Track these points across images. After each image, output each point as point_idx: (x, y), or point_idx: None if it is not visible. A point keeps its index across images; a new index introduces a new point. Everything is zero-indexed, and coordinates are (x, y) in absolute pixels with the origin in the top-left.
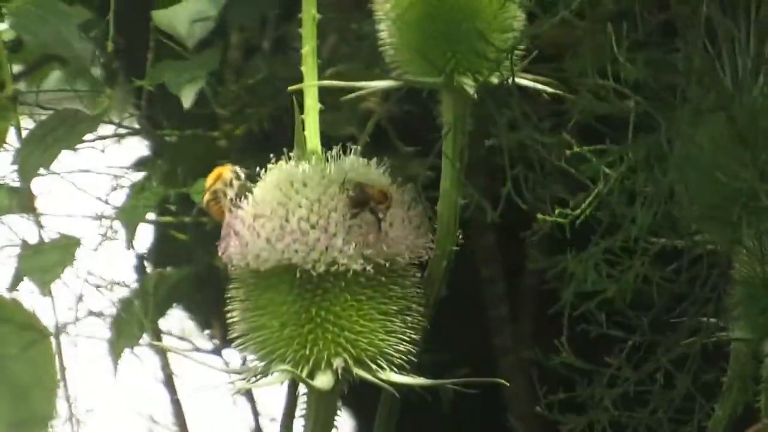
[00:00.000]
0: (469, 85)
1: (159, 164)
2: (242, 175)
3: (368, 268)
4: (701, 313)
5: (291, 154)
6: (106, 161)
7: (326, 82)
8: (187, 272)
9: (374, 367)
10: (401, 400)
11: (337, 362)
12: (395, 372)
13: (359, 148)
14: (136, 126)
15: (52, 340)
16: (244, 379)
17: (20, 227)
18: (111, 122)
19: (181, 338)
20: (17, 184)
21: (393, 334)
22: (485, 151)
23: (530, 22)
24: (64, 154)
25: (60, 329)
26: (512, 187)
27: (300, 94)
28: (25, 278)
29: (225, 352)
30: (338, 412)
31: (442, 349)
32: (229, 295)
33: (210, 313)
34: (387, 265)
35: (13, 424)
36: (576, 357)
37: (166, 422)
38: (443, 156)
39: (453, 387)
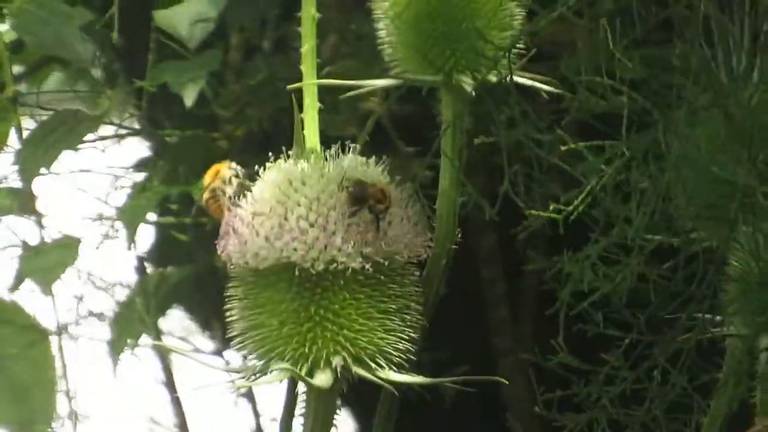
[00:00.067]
0: (467, 84)
1: (160, 165)
2: (241, 173)
3: (367, 266)
4: (697, 310)
5: (290, 153)
6: (107, 162)
7: (325, 81)
8: (187, 272)
9: (373, 365)
10: (401, 400)
11: (336, 360)
12: (394, 371)
13: (358, 146)
14: (137, 126)
15: (53, 340)
16: (243, 378)
17: (21, 228)
18: (111, 123)
19: (182, 339)
20: (18, 185)
21: (392, 333)
22: (483, 150)
23: (530, 21)
24: (65, 155)
25: (61, 329)
26: (510, 186)
27: (299, 93)
28: (27, 279)
29: (225, 353)
30: (338, 411)
31: (442, 350)
32: (228, 294)
33: (210, 313)
34: (386, 263)
35: (13, 424)
36: (575, 357)
37: (166, 423)
38: (442, 154)
39: (453, 387)
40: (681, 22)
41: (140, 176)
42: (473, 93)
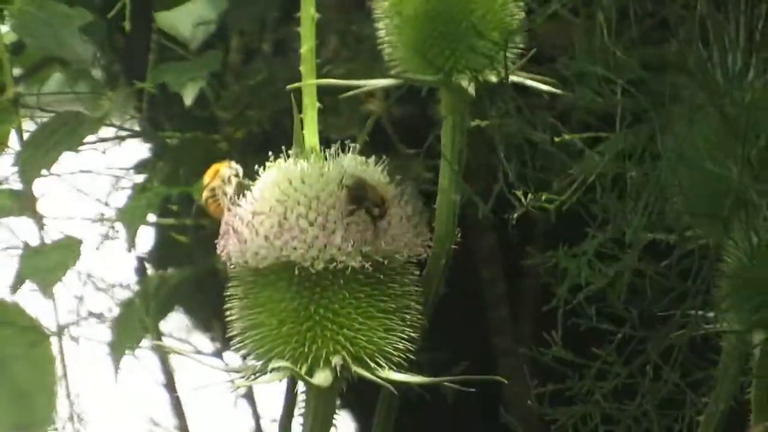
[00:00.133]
0: (467, 84)
1: (160, 166)
2: (240, 172)
3: (367, 265)
4: (691, 306)
5: (290, 153)
6: (107, 163)
7: (325, 81)
8: (187, 274)
9: (373, 365)
10: (401, 401)
11: (336, 360)
12: (394, 370)
13: (357, 146)
14: (137, 128)
15: (53, 341)
16: (243, 378)
17: (22, 229)
18: (112, 124)
19: (182, 340)
20: (19, 186)
21: (392, 332)
22: (482, 150)
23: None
24: (66, 156)
25: (61, 331)
26: (504, 184)
27: (299, 93)
28: (27, 280)
29: (225, 354)
30: (337, 411)
31: (442, 350)
32: (227, 294)
33: (210, 315)
34: (385, 262)
35: (13, 426)
36: (575, 354)
37: (167, 424)
38: (442, 155)
39: (453, 387)
40: (677, 21)
41: (140, 177)
42: (473, 93)
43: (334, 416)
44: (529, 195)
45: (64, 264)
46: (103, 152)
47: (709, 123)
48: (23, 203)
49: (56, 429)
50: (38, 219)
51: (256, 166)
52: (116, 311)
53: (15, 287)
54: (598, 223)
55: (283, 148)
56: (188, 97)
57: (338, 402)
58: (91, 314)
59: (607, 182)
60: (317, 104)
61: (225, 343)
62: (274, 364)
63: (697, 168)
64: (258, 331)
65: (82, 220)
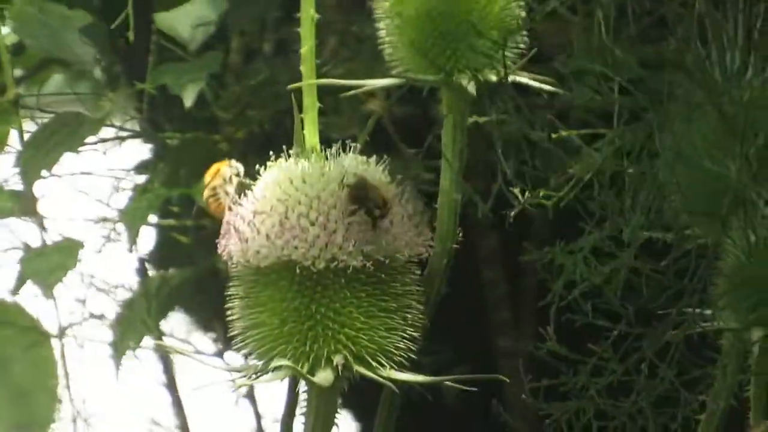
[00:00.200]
0: (468, 83)
1: (161, 167)
2: (241, 171)
3: (368, 264)
4: (688, 304)
5: (291, 152)
6: (108, 164)
7: (325, 81)
8: (188, 274)
9: (374, 364)
10: (403, 401)
11: (337, 359)
12: (395, 369)
13: (358, 145)
14: (138, 129)
15: (55, 342)
16: (245, 377)
17: (23, 230)
18: (112, 125)
19: (183, 341)
20: (20, 187)
21: (393, 331)
22: (481, 150)
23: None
24: (66, 157)
25: (62, 332)
26: (503, 182)
27: (300, 94)
28: (28, 281)
29: (227, 354)
30: (338, 411)
31: (443, 351)
32: (229, 293)
33: (211, 315)
34: (387, 262)
35: (14, 426)
36: (569, 350)
37: (168, 424)
38: (443, 154)
39: (455, 388)
40: (675, 19)
41: (141, 178)
42: (474, 92)
43: (336, 415)
44: (527, 192)
45: (64, 265)
46: (104, 153)
47: (708, 121)
48: (24, 204)
49: (57, 429)
50: (39, 220)
51: (257, 166)
52: (117, 312)
53: (16, 288)
54: (596, 220)
55: (284, 147)
56: (188, 99)
57: (339, 402)
58: (92, 315)
59: (605, 180)
60: (318, 104)
61: (226, 343)
62: (275, 363)
63: (695, 166)
64: (259, 330)
65: (83, 221)
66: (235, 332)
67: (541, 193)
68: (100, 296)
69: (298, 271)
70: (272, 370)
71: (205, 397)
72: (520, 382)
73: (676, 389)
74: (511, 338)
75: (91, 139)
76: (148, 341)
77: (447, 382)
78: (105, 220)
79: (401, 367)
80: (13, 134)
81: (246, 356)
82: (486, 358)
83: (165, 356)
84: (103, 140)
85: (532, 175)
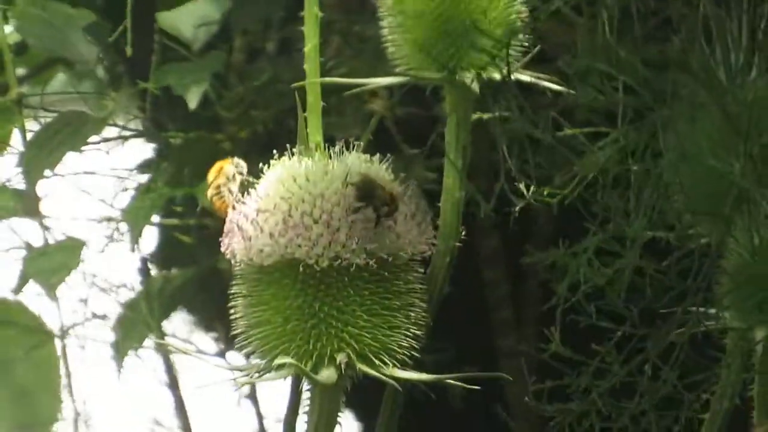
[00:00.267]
0: (471, 81)
1: (164, 166)
2: (244, 169)
3: (371, 262)
4: (691, 303)
5: (294, 151)
6: (111, 163)
7: (329, 79)
8: (191, 274)
9: (377, 362)
10: (405, 401)
11: (341, 357)
12: (398, 368)
13: (362, 144)
14: (141, 128)
15: (57, 342)
16: (240, 377)
17: (25, 230)
18: (115, 125)
19: (185, 341)
20: (22, 187)
21: (396, 330)
22: (484, 149)
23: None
24: (69, 157)
25: (65, 332)
26: (507, 180)
27: (304, 93)
28: (30, 281)
29: (229, 354)
30: (342, 411)
31: (444, 351)
32: (232, 292)
33: (214, 315)
34: (390, 260)
35: (17, 425)
36: (573, 352)
37: (170, 424)
38: (446, 152)
39: (458, 388)
40: (679, 19)
41: (144, 178)
42: (477, 90)
43: (339, 414)
44: (531, 189)
45: (67, 265)
46: (107, 152)
47: (712, 121)
48: (27, 204)
49: (59, 429)
50: (42, 220)
51: (261, 165)
52: (120, 312)
53: (18, 288)
54: (599, 221)
55: (287, 147)
56: (192, 101)
57: (342, 400)
58: (94, 315)
59: (609, 179)
60: (321, 103)
61: (228, 343)
62: (278, 361)
63: (699, 165)
64: (262, 328)
65: (85, 221)
66: (238, 331)
67: (545, 192)
68: (103, 296)
69: (301, 269)
70: (275, 369)
71: (208, 397)
72: (520, 382)
73: (679, 390)
74: (512, 338)
75: (94, 138)
76: (150, 341)
77: (450, 381)
78: (108, 219)
79: (404, 365)
80: (16, 133)
81: (248, 356)
82: (487, 359)
83: (167, 356)
84: (106, 140)
85: (535, 173)
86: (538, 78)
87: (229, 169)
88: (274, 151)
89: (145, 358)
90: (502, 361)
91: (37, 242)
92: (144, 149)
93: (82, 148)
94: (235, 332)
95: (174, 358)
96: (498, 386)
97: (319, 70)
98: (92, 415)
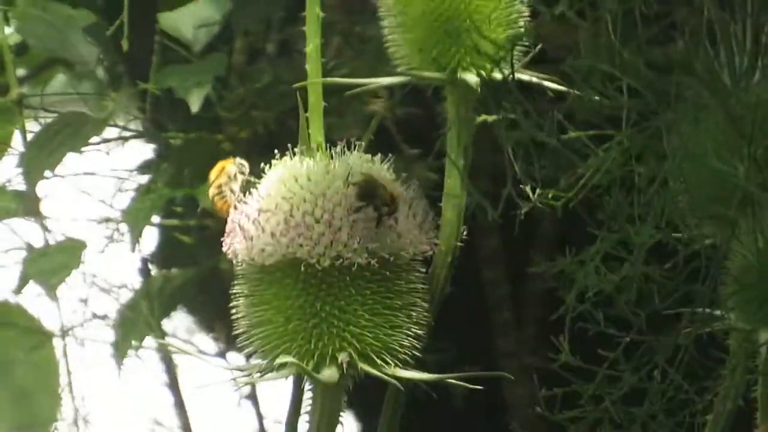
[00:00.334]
0: (473, 81)
1: (164, 167)
2: (246, 168)
3: (373, 262)
4: (698, 305)
5: (295, 151)
6: (111, 164)
7: (331, 79)
8: (191, 275)
9: (379, 361)
10: (408, 402)
11: (342, 357)
12: (400, 367)
13: (363, 144)
14: (141, 129)
15: (57, 342)
16: (242, 377)
17: (25, 230)
18: (116, 125)
19: (186, 341)
20: (23, 188)
21: (398, 329)
22: (486, 150)
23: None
24: (69, 157)
25: (65, 332)
26: (512, 186)
27: (305, 93)
28: (31, 281)
29: (229, 354)
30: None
31: (445, 351)
32: (233, 292)
33: (214, 315)
34: (391, 259)
35: (16, 426)
36: (580, 358)
37: (170, 425)
38: (448, 153)
39: (459, 388)
40: (683, 22)
41: (144, 179)
42: (478, 90)
43: (341, 414)
44: (536, 192)
45: (67, 265)
46: (107, 153)
47: (716, 123)
48: (27, 204)
49: (59, 429)
50: (42, 220)
51: (262, 165)
52: (120, 312)
53: (19, 288)
54: (605, 226)
55: (288, 147)
56: (194, 104)
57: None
58: (94, 315)
59: (615, 182)
60: (323, 103)
61: (228, 343)
62: (280, 360)
63: (703, 167)
64: (264, 328)
65: (86, 222)
66: (240, 330)
67: (550, 194)
68: (103, 296)
69: (302, 268)
70: (277, 368)
71: (208, 398)
72: (520, 383)
73: (688, 393)
74: (512, 339)
75: (94, 139)
76: (150, 341)
77: (451, 381)
78: (108, 220)
79: (406, 364)
80: (17, 134)
81: (248, 356)
82: (486, 359)
83: (167, 356)
84: (106, 140)
85: (539, 176)
86: (540, 78)
87: (231, 169)
88: (276, 151)
89: (146, 359)
90: (502, 361)
91: (38, 243)
92: (144, 150)
93: (83, 148)
94: (235, 332)
95: (174, 357)
96: (497, 386)
97: (320, 71)
98: (92, 415)
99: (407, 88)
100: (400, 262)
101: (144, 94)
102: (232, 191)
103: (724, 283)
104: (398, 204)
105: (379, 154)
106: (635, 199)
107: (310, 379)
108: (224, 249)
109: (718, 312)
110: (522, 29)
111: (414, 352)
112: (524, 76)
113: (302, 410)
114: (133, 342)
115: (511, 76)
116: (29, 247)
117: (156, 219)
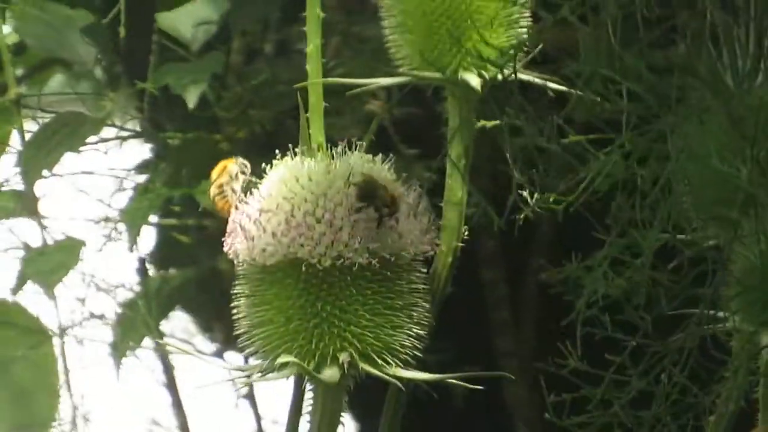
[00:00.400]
0: (474, 81)
1: (162, 167)
2: (248, 169)
3: (374, 262)
4: (704, 308)
5: (296, 151)
6: (109, 164)
7: (332, 80)
8: (189, 275)
9: (380, 362)
10: (409, 403)
11: (343, 357)
12: (401, 367)
13: (364, 144)
14: (139, 129)
15: (56, 342)
16: (247, 377)
17: (23, 230)
18: (113, 125)
19: (184, 341)
20: (21, 187)
21: (399, 329)
22: (486, 151)
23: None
24: (67, 157)
25: (63, 332)
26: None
27: (304, 93)
28: (29, 281)
29: (226, 354)
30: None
31: (444, 351)
32: (234, 292)
33: (212, 315)
34: (393, 259)
35: (15, 426)
36: (581, 360)
37: (168, 425)
38: (449, 153)
39: (460, 388)
40: (685, 25)
41: (142, 178)
42: (479, 90)
43: (342, 414)
44: (537, 196)
45: (65, 265)
46: (105, 153)
47: (719, 125)
48: (25, 204)
49: (57, 429)
50: (40, 220)
51: (261, 165)
52: (118, 312)
53: (16, 288)
54: (607, 227)
55: (286, 147)
56: (191, 101)
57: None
58: (93, 315)
59: (617, 186)
60: (323, 103)
61: (226, 343)
62: (281, 360)
63: (706, 169)
64: (265, 328)
65: (84, 221)
66: (241, 331)
67: (551, 198)
68: (101, 296)
69: (304, 268)
70: (278, 368)
71: (206, 398)
72: (520, 383)
73: (695, 395)
74: (510, 339)
75: (92, 138)
76: (148, 341)
77: (452, 381)
78: (106, 219)
79: (407, 365)
80: (15, 134)
81: (246, 357)
82: (486, 358)
83: (165, 356)
84: (104, 140)
85: (539, 180)
86: (542, 79)
87: (233, 168)
88: (276, 152)
89: (144, 359)
90: (500, 361)
91: (36, 242)
92: (142, 150)
93: (80, 148)
94: (232, 332)
95: (172, 358)
96: (496, 386)
97: (321, 71)
98: (90, 415)
99: (407, 88)
100: (401, 263)
101: (142, 93)
102: (233, 191)
103: (728, 285)
104: (399, 205)
105: (380, 155)
106: (638, 203)
107: (311, 380)
108: (225, 249)
109: (721, 314)
110: (523, 29)
111: (415, 352)
112: (525, 77)
113: (303, 411)
114: (132, 342)
115: (511, 76)
116: (27, 247)
117: (154, 219)
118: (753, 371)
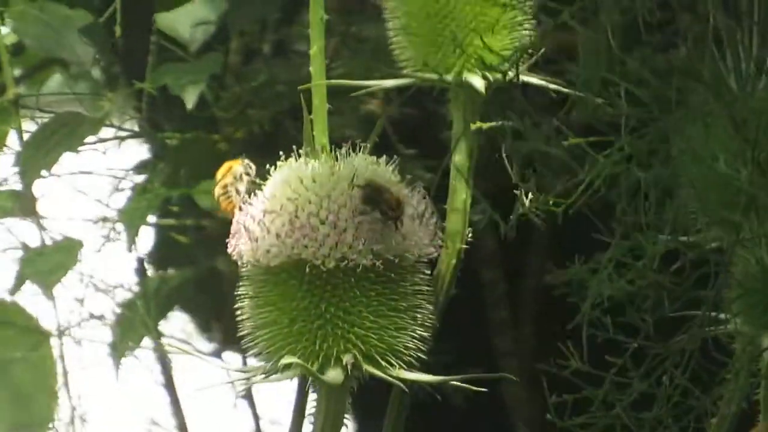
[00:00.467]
0: (478, 83)
1: (160, 167)
2: (253, 170)
3: (378, 263)
4: (705, 310)
5: (300, 152)
6: (108, 164)
7: (335, 81)
8: (188, 275)
9: (384, 363)
10: (411, 404)
11: (347, 358)
12: (405, 369)
13: (368, 145)
14: (137, 129)
15: (54, 342)
16: (247, 378)
17: (22, 230)
18: (112, 125)
19: (182, 341)
20: (19, 187)
21: (403, 331)
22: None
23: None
24: (66, 157)
25: (62, 332)
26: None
27: (305, 93)
28: (27, 281)
29: (224, 355)
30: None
31: (444, 352)
32: (238, 293)
33: (210, 315)
34: (396, 261)
35: (13, 426)
36: (583, 361)
37: (166, 425)
38: (453, 155)
39: (460, 389)
40: (687, 28)
41: (141, 178)
42: (483, 91)
43: (345, 415)
44: (537, 198)
45: (64, 265)
46: (104, 153)
47: (722, 127)
48: (23, 204)
49: (56, 429)
50: (38, 220)
51: (261, 166)
52: (117, 312)
53: (15, 288)
54: (609, 229)
55: (284, 148)
56: (189, 101)
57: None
58: (91, 315)
59: (623, 187)
60: (327, 104)
61: (225, 343)
62: (285, 361)
63: (708, 171)
64: (269, 329)
65: (82, 221)
66: (245, 332)
67: (551, 201)
68: (100, 296)
69: (307, 270)
70: (281, 369)
71: (204, 398)
72: (519, 383)
73: (697, 397)
74: (509, 339)
75: (90, 138)
76: (147, 341)
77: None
78: (104, 219)
79: (411, 366)
80: (13, 134)
81: (245, 356)
82: (485, 359)
83: (164, 356)
84: (103, 140)
85: (537, 182)
86: (544, 80)
87: (237, 169)
88: (275, 152)
89: (142, 359)
90: (499, 360)
91: (34, 242)
92: (140, 150)
93: (79, 148)
94: (231, 332)
95: (171, 358)
96: (495, 385)
97: (324, 72)
98: (89, 415)
99: (411, 90)
100: (405, 264)
101: (140, 94)
102: (237, 192)
103: (730, 288)
104: (404, 208)
105: (384, 156)
106: (642, 205)
107: (314, 381)
108: (229, 250)
109: (723, 316)
110: (526, 32)
111: (419, 354)
112: (527, 78)
113: (306, 412)
114: (130, 342)
115: (515, 78)
116: (26, 247)
117: (152, 219)
118: (754, 373)
